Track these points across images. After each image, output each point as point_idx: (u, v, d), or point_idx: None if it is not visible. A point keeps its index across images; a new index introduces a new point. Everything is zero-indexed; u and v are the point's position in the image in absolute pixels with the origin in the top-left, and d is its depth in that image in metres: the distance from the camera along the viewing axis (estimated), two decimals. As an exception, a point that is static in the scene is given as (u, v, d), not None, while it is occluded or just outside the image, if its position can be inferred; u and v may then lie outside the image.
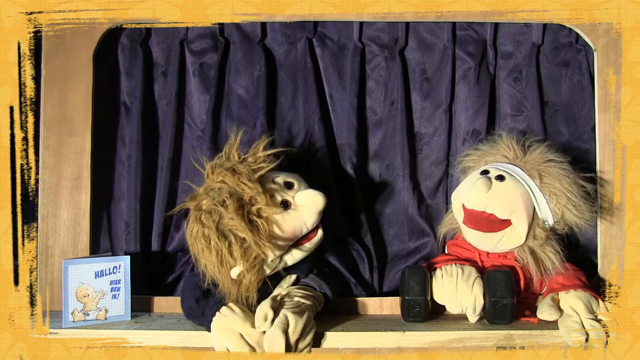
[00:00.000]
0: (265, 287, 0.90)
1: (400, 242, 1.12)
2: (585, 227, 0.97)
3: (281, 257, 0.90)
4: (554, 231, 0.97)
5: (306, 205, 0.88)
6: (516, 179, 0.95)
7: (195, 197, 0.88)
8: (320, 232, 0.93)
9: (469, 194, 0.96)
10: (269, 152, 0.91)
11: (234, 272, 0.86)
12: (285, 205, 0.88)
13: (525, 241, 0.94)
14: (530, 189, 0.95)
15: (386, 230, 1.13)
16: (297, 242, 0.91)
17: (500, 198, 0.93)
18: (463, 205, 0.97)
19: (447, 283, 0.93)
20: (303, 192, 0.89)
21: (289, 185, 0.91)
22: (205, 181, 0.90)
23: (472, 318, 0.94)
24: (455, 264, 0.96)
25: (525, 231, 0.93)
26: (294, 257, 0.91)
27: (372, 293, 1.08)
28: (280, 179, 0.91)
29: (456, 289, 0.92)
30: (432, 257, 1.06)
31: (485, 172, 0.97)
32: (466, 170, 1.05)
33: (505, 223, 0.94)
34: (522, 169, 0.97)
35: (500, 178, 0.95)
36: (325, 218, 0.94)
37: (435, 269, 0.96)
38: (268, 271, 0.89)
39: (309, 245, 0.92)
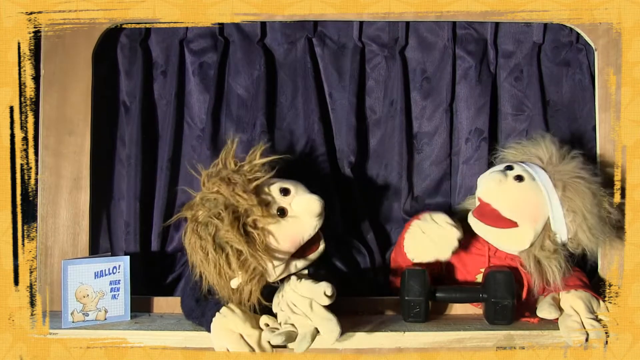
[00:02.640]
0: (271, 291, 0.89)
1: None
2: (595, 252, 0.94)
3: (284, 266, 0.88)
4: (565, 247, 0.94)
5: (303, 211, 0.86)
6: (537, 185, 0.92)
7: (192, 207, 0.87)
8: (322, 244, 0.92)
9: (482, 183, 0.95)
10: (265, 160, 0.90)
11: (234, 283, 0.85)
12: (282, 213, 0.86)
13: (531, 248, 0.93)
14: (550, 199, 0.91)
15: (385, 228, 1.13)
16: (301, 253, 0.89)
17: (509, 197, 0.92)
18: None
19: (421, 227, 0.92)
20: (299, 198, 0.87)
21: (285, 192, 0.88)
22: (201, 189, 0.89)
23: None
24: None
25: (530, 238, 0.91)
26: (297, 267, 0.90)
27: (378, 290, 1.08)
28: (276, 186, 0.88)
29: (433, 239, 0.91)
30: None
31: (509, 168, 0.95)
32: (500, 161, 1.04)
33: (511, 223, 0.92)
34: (550, 176, 0.93)
35: (519, 178, 0.92)
36: (325, 219, 0.94)
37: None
38: (271, 279, 0.88)
39: (312, 256, 0.91)
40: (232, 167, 0.89)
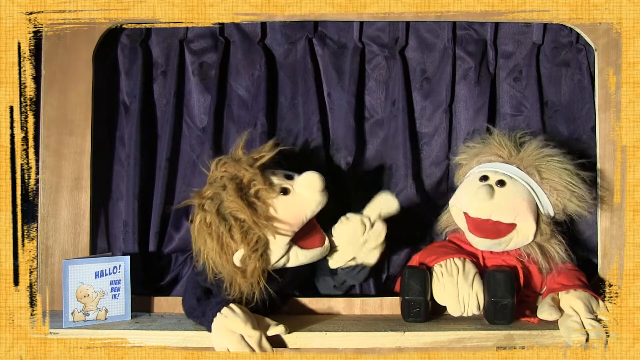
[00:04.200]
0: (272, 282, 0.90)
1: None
2: (586, 215, 0.97)
3: (287, 251, 0.89)
4: (554, 221, 0.98)
5: (305, 187, 0.89)
6: (516, 181, 0.95)
7: (200, 192, 0.90)
8: (327, 243, 0.93)
9: (471, 202, 0.95)
10: (273, 153, 0.92)
11: (237, 257, 0.86)
12: (285, 192, 0.89)
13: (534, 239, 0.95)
14: (531, 187, 0.94)
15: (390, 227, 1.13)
16: (302, 243, 0.91)
17: (503, 205, 0.93)
18: (465, 214, 0.97)
19: (447, 283, 0.92)
20: (300, 177, 0.90)
21: (288, 177, 0.92)
22: (208, 178, 0.91)
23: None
24: (453, 257, 0.95)
25: (533, 231, 0.94)
26: (298, 257, 0.91)
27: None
28: (281, 172, 0.93)
29: (457, 290, 0.92)
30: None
31: (484, 178, 0.96)
32: (457, 167, 1.06)
33: (511, 226, 0.94)
34: (518, 167, 0.96)
35: (501, 183, 0.94)
36: (326, 219, 0.94)
37: (433, 266, 0.96)
38: (273, 261, 0.89)
39: (313, 251, 0.92)
40: (240, 156, 0.92)
